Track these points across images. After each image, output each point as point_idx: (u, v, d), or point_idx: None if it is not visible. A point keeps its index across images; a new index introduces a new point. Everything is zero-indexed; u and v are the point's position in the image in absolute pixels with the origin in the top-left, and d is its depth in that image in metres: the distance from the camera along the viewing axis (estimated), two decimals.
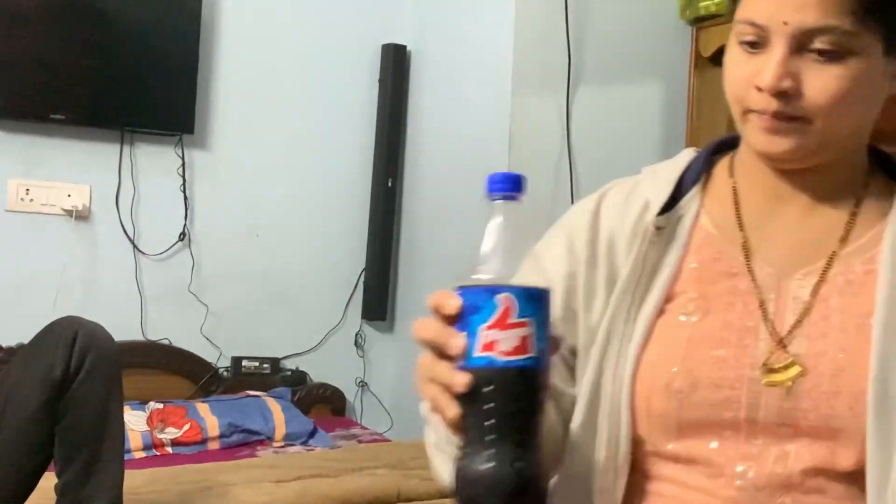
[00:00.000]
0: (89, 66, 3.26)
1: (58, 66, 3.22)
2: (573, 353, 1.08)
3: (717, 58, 3.30)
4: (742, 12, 1.00)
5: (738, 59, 1.01)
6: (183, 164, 3.45)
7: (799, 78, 0.96)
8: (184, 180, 3.46)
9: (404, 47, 3.71)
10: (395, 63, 3.67)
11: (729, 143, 1.14)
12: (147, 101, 3.35)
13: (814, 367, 0.99)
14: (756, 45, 0.98)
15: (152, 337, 3.43)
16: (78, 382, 2.01)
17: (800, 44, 0.95)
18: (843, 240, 1.04)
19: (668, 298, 1.04)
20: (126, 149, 3.37)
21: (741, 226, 1.07)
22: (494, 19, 3.24)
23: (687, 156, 1.14)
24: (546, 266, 1.08)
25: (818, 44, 0.95)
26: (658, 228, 1.06)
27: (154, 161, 3.43)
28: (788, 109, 0.97)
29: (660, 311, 1.04)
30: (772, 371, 0.99)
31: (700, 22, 3.29)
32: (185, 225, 3.48)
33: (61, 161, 3.30)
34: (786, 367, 0.99)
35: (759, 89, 0.97)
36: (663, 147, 3.31)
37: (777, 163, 1.03)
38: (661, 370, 1.01)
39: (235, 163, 3.57)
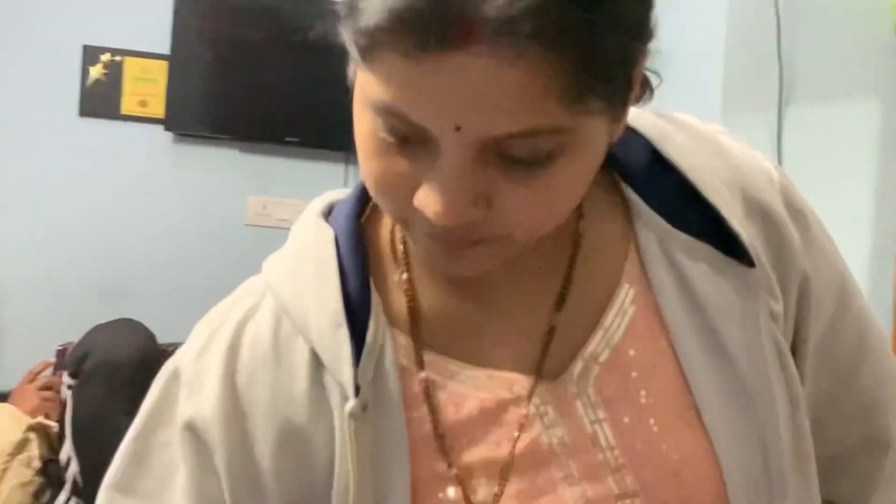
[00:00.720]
0: (318, 95, 3.53)
1: (292, 95, 3.52)
2: None
3: None
4: (376, 90, 0.58)
5: (377, 148, 0.61)
6: None
7: (488, 196, 0.59)
8: None
9: None
10: None
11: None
12: None
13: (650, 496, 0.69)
14: (408, 141, 0.59)
15: None
16: None
17: (484, 152, 0.58)
18: (572, 304, 0.73)
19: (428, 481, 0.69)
20: (350, 169, 3.64)
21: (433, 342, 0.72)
22: (706, 38, 3.24)
23: (323, 235, 0.74)
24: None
25: (515, 151, 0.58)
26: (364, 409, 0.68)
27: None
28: (474, 234, 0.62)
29: None
30: None
31: None
32: None
33: (293, 180, 3.60)
34: None
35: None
36: (880, 167, 3.19)
37: None
38: None
39: None
